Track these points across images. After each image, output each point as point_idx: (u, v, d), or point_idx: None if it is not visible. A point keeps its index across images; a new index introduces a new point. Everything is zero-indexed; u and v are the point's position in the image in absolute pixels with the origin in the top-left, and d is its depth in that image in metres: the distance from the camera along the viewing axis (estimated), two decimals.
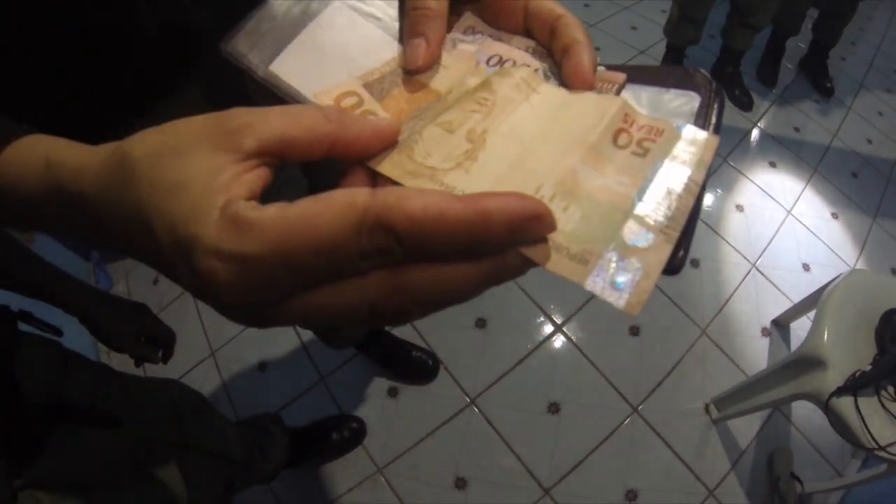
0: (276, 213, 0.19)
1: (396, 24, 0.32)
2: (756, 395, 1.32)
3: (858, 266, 1.83)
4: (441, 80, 0.30)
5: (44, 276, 0.71)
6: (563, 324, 1.58)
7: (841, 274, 1.24)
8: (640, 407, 1.46)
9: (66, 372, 0.67)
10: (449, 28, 0.32)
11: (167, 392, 0.86)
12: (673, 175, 0.23)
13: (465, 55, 0.31)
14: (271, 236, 0.19)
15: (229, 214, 0.20)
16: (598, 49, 2.19)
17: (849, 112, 2.33)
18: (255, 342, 1.59)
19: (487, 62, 0.30)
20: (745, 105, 2.19)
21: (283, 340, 1.59)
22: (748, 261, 1.74)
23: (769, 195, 1.93)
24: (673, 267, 0.23)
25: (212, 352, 1.59)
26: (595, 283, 0.20)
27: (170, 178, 0.21)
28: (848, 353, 1.11)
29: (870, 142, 2.24)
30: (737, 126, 2.14)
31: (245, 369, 1.56)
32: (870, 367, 1.08)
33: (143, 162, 0.22)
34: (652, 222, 0.22)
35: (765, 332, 1.62)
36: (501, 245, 0.19)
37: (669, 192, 0.23)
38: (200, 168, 0.21)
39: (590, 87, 0.28)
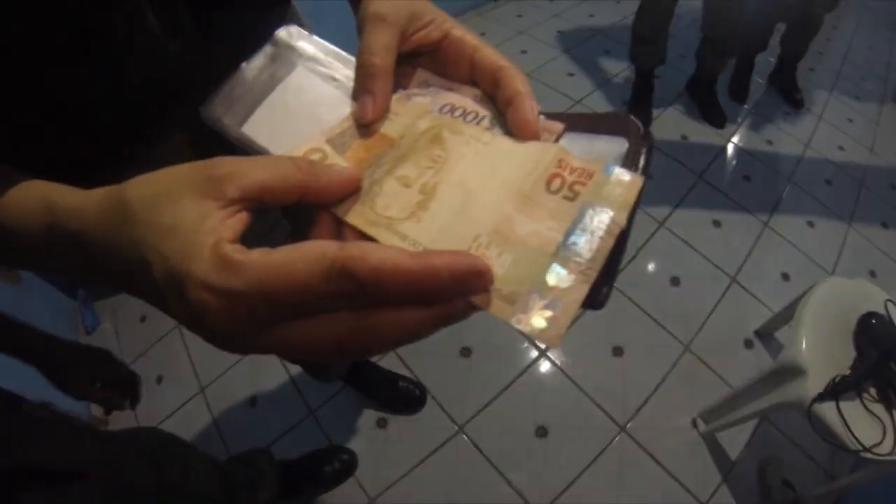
0: (258, 256, 0.23)
1: (351, 84, 0.36)
2: (742, 407, 1.37)
3: (837, 271, 1.90)
4: (394, 127, 0.33)
5: None
6: (547, 348, 1.64)
7: (816, 283, 1.30)
8: (628, 426, 1.51)
9: (31, 432, 0.68)
10: (406, 84, 0.37)
11: (143, 440, 0.89)
12: (597, 217, 0.26)
13: (419, 106, 0.34)
14: (254, 276, 0.22)
15: (219, 254, 0.23)
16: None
17: (820, 121, 2.43)
18: (244, 378, 1.64)
19: (440, 110, 0.34)
20: (719, 123, 2.28)
21: (272, 375, 1.64)
22: (727, 275, 1.81)
23: (745, 209, 2.01)
24: (596, 302, 0.26)
25: (201, 388, 1.64)
26: (519, 320, 0.23)
27: (164, 220, 0.24)
28: (827, 360, 1.16)
29: (842, 149, 2.34)
30: (711, 143, 2.23)
31: (235, 405, 1.60)
32: (850, 371, 1.13)
33: (139, 204, 0.25)
34: (572, 264, 0.24)
35: (748, 343, 1.68)
36: (448, 295, 0.23)
37: (592, 234, 0.25)
38: (190, 212, 0.24)
39: (535, 137, 0.31)
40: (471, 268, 0.23)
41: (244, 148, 0.35)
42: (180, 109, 0.49)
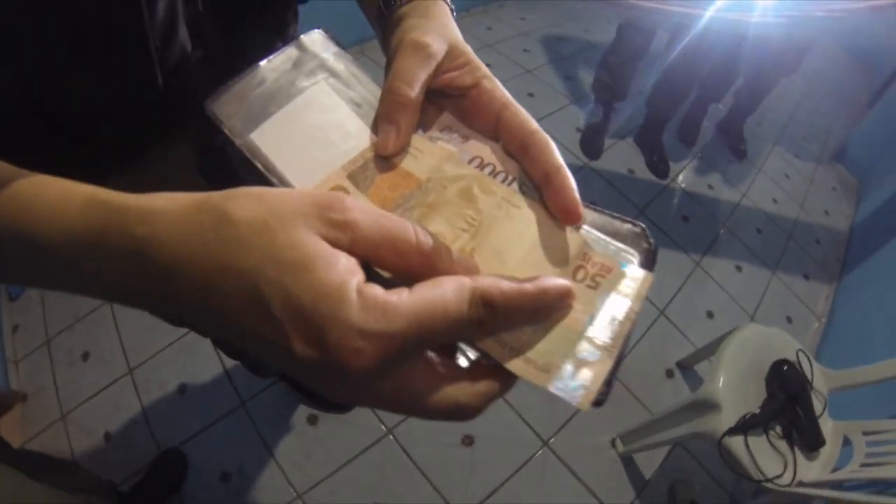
0: (409, 296, 0.24)
1: (372, 112, 0.35)
2: (658, 433, 1.53)
3: (758, 314, 2.14)
4: (419, 167, 0.34)
5: None
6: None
7: (737, 327, 1.48)
8: (551, 441, 1.67)
9: None
10: (428, 123, 0.36)
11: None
12: (616, 305, 0.30)
13: (444, 150, 0.35)
14: (412, 315, 0.24)
15: (370, 297, 0.24)
16: None
17: (759, 173, 2.72)
18: (175, 363, 1.70)
19: (469, 161, 0.35)
20: (661, 173, 2.50)
21: (203, 364, 1.71)
22: (657, 307, 2.01)
23: (681, 247, 2.23)
24: (598, 400, 0.28)
25: (129, 370, 1.69)
26: (556, 387, 0.27)
27: (285, 254, 0.24)
28: (739, 398, 1.33)
29: (775, 201, 2.62)
30: (655, 180, 2.47)
31: (164, 391, 1.66)
32: (759, 410, 1.30)
33: (248, 228, 0.24)
34: (599, 342, 0.29)
35: (669, 373, 1.88)
36: (549, 313, 0.28)
37: (613, 319, 0.30)
38: (316, 251, 0.24)
39: (578, 222, 0.33)
40: (566, 288, 0.28)
41: (245, 156, 0.33)
42: (193, 120, 0.49)
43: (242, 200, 0.25)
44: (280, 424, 1.61)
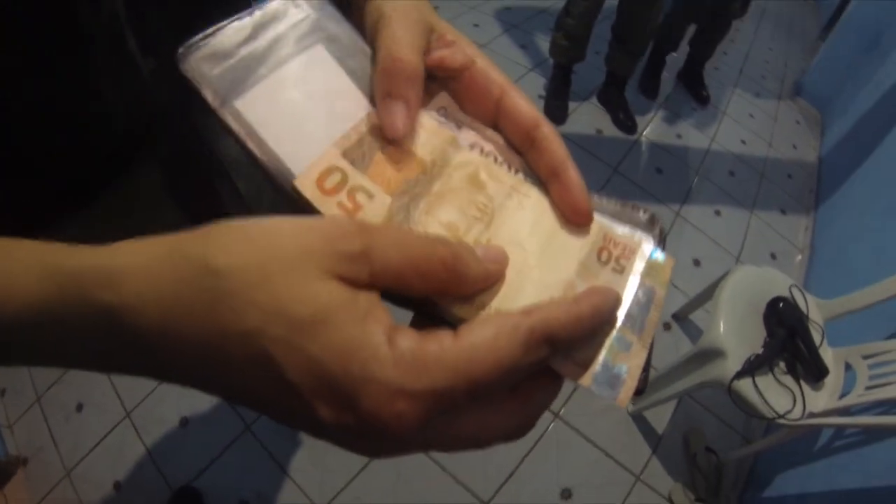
0: (451, 343, 0.21)
1: (370, 85, 0.31)
2: (666, 388, 1.57)
3: (742, 255, 2.19)
4: (422, 147, 0.30)
5: None
6: None
7: (728, 271, 1.51)
8: (561, 411, 1.69)
9: None
10: (423, 104, 0.32)
11: None
12: (644, 291, 0.30)
13: (445, 132, 0.32)
14: (458, 366, 0.21)
15: (406, 352, 0.20)
16: None
17: (724, 117, 2.77)
18: (171, 398, 1.67)
19: (470, 147, 0.32)
20: (629, 129, 2.53)
21: (201, 394, 1.67)
22: None
23: (658, 199, 2.27)
24: (640, 387, 0.28)
25: (127, 413, 1.65)
26: (596, 386, 0.26)
27: (297, 309, 0.20)
28: (742, 341, 1.36)
29: (743, 142, 2.68)
30: (625, 137, 2.49)
31: (166, 428, 1.63)
32: (762, 349, 1.33)
33: (238, 280, 0.20)
34: (632, 333, 0.28)
35: (667, 326, 1.92)
36: (602, 328, 0.26)
37: (642, 307, 0.29)
38: (333, 299, 0.21)
39: (587, 222, 0.31)
40: (617, 297, 0.26)
41: (230, 126, 0.29)
42: (154, 141, 0.45)
43: (226, 243, 0.21)
44: (289, 441, 1.60)
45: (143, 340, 0.21)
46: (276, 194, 0.28)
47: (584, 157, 2.34)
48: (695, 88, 2.81)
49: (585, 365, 0.26)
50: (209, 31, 0.29)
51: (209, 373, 0.22)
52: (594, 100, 2.62)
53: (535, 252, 0.30)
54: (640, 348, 0.28)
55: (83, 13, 0.34)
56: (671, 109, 2.71)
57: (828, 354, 1.40)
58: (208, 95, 0.28)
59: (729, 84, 3.01)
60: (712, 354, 1.36)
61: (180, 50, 0.28)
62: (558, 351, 0.24)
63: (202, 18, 0.44)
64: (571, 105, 2.54)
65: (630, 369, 0.27)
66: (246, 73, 0.29)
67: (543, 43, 2.70)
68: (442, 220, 0.29)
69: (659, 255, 0.31)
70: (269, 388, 0.21)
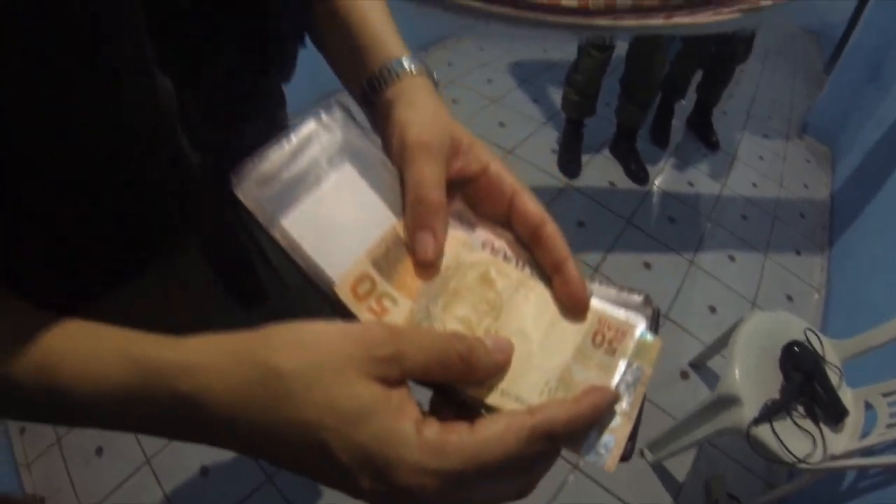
0: (467, 435, 0.27)
1: (392, 195, 0.37)
2: (684, 436, 1.59)
3: (758, 299, 2.24)
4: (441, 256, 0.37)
5: None
6: None
7: (742, 319, 1.55)
8: (580, 463, 1.73)
9: None
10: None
11: None
12: (632, 371, 0.34)
13: (459, 237, 0.38)
14: (471, 453, 0.27)
15: (430, 439, 0.27)
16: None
17: (734, 161, 2.85)
18: (193, 446, 1.57)
19: (481, 246, 0.38)
20: (641, 180, 2.61)
21: None
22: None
23: (672, 249, 2.34)
24: (625, 454, 0.32)
25: (147, 459, 1.66)
26: (585, 456, 0.31)
27: (342, 405, 0.26)
28: (758, 386, 1.39)
29: (754, 185, 2.75)
30: (637, 188, 2.58)
31: (186, 476, 1.64)
32: (779, 394, 1.37)
33: (299, 382, 0.27)
34: (619, 409, 0.32)
35: (684, 374, 1.97)
36: (600, 418, 0.31)
37: (629, 385, 0.34)
38: (366, 395, 0.27)
39: (585, 311, 0.37)
40: (614, 394, 0.32)
41: (283, 246, 0.34)
42: (199, 223, 0.50)
43: (286, 350, 0.27)
44: (310, 490, 1.63)
45: (215, 425, 0.28)
46: (317, 293, 0.34)
47: (598, 210, 2.44)
48: (704, 134, 2.90)
49: (579, 440, 0.31)
50: (256, 156, 0.35)
51: (271, 451, 0.28)
52: (606, 152, 2.72)
53: (538, 340, 0.35)
54: (627, 421, 0.32)
55: (144, 113, 0.38)
56: (682, 157, 2.81)
57: (847, 395, 1.42)
58: (259, 217, 0.34)
59: (737, 127, 3.10)
60: (728, 402, 1.40)
61: (233, 177, 0.34)
62: (557, 444, 0.29)
63: (243, 121, 0.52)
64: (584, 158, 2.64)
65: (617, 440, 0.31)
66: (289, 194, 0.35)
67: (555, 95, 2.81)
68: (457, 315, 0.35)
69: (648, 336, 0.36)
70: (323, 465, 0.27)
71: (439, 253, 0.36)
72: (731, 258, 2.38)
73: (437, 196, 0.35)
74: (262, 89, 0.56)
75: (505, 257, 0.38)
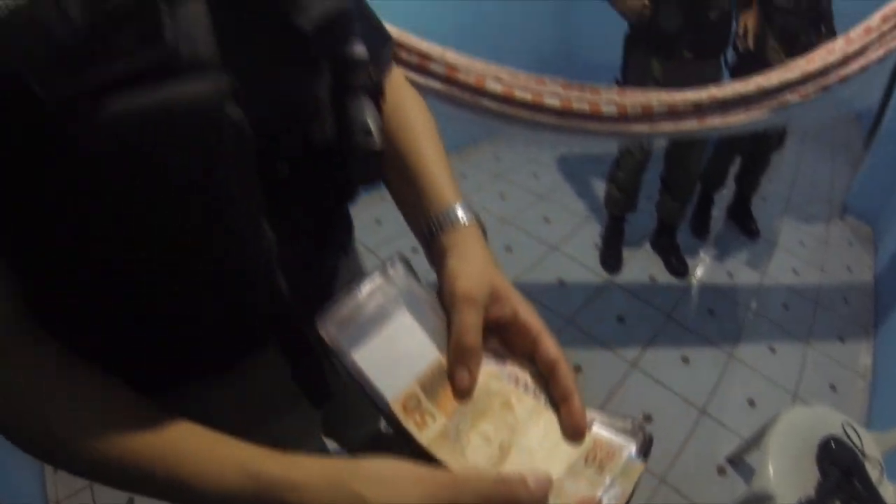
0: None
1: (438, 334, 0.48)
2: None
3: (800, 391, 2.30)
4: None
5: None
6: None
7: (777, 414, 1.58)
8: None
9: None
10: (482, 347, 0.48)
11: None
12: (615, 488, 0.41)
13: (491, 370, 0.47)
14: None
15: None
16: (510, 250, 2.75)
17: (774, 249, 2.97)
18: None
19: (507, 378, 0.48)
20: (681, 273, 2.73)
21: None
22: (696, 407, 2.20)
23: (711, 342, 2.45)
24: None
25: None
26: None
27: None
28: (794, 484, 1.39)
29: (795, 272, 2.85)
30: (676, 282, 2.73)
31: None
32: (815, 491, 1.36)
33: None
34: None
35: (721, 470, 2.03)
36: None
37: (612, 499, 0.40)
38: None
39: (583, 437, 0.45)
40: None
41: (353, 374, 0.44)
42: (282, 329, 0.58)
43: (369, 484, 0.37)
44: None
45: None
46: (375, 408, 0.44)
47: (638, 305, 2.59)
48: (744, 223, 3.04)
49: None
50: (335, 302, 0.46)
51: None
52: (647, 245, 2.90)
53: (542, 457, 0.43)
54: None
55: (252, 258, 0.49)
56: (722, 247, 2.95)
57: (888, 491, 1.41)
58: (335, 351, 0.45)
59: (777, 214, 3.22)
60: (762, 499, 1.40)
61: (318, 319, 0.45)
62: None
63: (321, 248, 0.63)
64: (625, 252, 2.81)
65: None
66: (359, 334, 0.46)
67: (599, 189, 2.99)
68: (481, 431, 0.43)
69: (635, 460, 0.43)
70: None
71: (473, 385, 0.45)
72: (772, 349, 2.46)
73: (474, 341, 0.46)
74: (338, 221, 0.68)
75: (525, 388, 0.47)
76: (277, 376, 0.61)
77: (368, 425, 1.07)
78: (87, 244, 0.41)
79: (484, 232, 0.57)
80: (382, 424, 0.48)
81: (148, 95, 0.37)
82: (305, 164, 0.53)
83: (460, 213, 0.55)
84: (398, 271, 0.50)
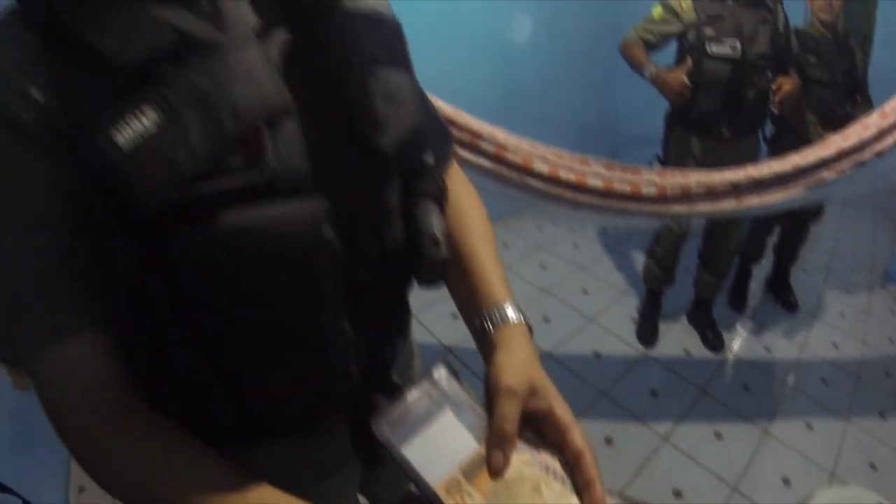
0: None
1: (478, 430, 0.55)
2: None
3: (837, 469, 2.30)
4: (508, 469, 0.53)
5: None
6: None
7: (808, 495, 1.61)
8: None
9: None
10: (519, 436, 0.54)
11: None
12: None
13: (524, 458, 0.54)
14: None
15: None
16: (548, 320, 2.84)
17: (813, 322, 3.00)
18: None
19: (538, 465, 0.54)
20: (717, 348, 2.76)
21: None
22: (728, 485, 2.23)
23: (745, 418, 2.49)
24: None
25: None
26: None
27: None
28: None
29: (836, 346, 2.87)
30: (712, 356, 2.79)
31: None
32: None
33: None
34: None
35: None
36: None
37: None
38: None
39: None
40: None
41: (402, 466, 0.51)
42: (350, 406, 0.63)
43: None
44: None
45: None
46: (421, 493, 0.50)
47: (673, 379, 2.65)
48: (783, 296, 3.08)
49: None
50: (389, 407, 0.54)
51: None
52: (683, 319, 2.97)
53: None
54: None
55: (334, 351, 0.56)
56: (759, 321, 2.99)
57: None
58: (388, 447, 0.51)
59: (817, 284, 3.25)
60: None
61: (373, 420, 0.52)
62: None
63: (385, 334, 0.69)
64: (662, 325, 2.91)
65: None
66: (409, 432, 0.53)
67: (638, 262, 3.09)
68: None
69: None
70: None
71: (506, 466, 0.52)
72: (809, 426, 2.46)
73: (511, 430, 0.53)
74: (401, 311, 0.74)
75: (554, 475, 0.54)
76: (334, 442, 0.67)
77: (401, 486, 1.18)
78: (198, 332, 0.49)
79: (530, 329, 0.63)
80: (412, 486, 0.56)
81: (254, 212, 0.43)
82: (379, 268, 0.59)
83: (510, 311, 0.62)
84: (442, 376, 0.58)
